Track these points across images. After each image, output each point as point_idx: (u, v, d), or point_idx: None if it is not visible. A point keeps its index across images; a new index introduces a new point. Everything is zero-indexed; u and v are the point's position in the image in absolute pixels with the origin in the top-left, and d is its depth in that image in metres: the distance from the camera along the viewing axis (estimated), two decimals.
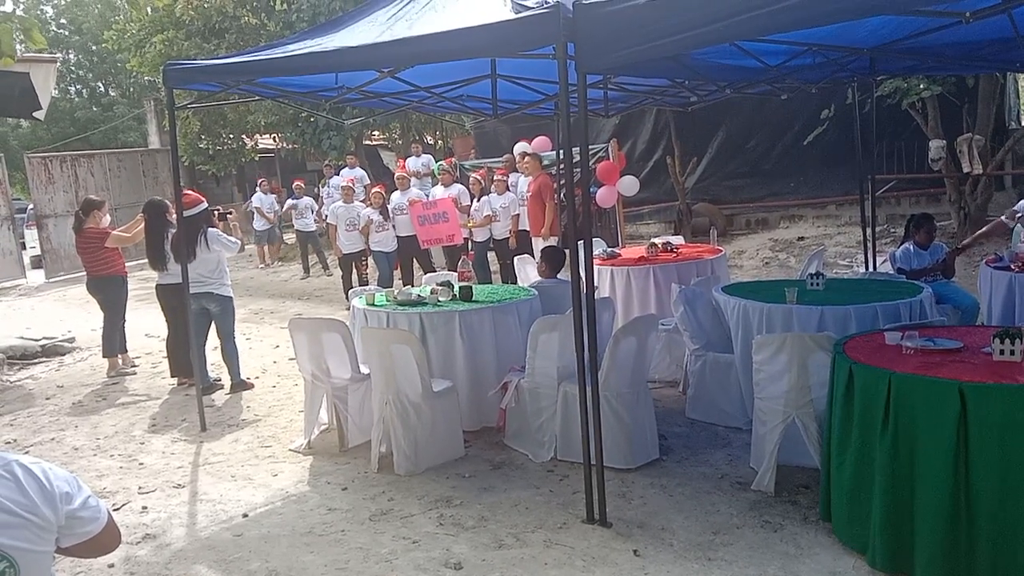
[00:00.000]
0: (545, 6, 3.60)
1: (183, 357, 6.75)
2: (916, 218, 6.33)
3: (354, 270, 10.76)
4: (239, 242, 6.83)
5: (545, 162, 11.65)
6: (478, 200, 10.31)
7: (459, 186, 10.95)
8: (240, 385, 6.78)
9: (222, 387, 6.90)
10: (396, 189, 10.61)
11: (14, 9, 6.94)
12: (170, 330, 7.10)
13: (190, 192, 6.65)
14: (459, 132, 18.25)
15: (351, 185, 11.43)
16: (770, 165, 14.04)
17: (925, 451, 3.14)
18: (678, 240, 8.68)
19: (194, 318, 6.24)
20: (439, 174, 11.87)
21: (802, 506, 3.99)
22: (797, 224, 13.35)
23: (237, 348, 6.87)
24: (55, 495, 1.71)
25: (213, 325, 6.77)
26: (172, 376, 7.24)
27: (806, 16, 3.03)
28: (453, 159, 14.98)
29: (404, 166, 14.15)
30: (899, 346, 3.68)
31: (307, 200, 14.30)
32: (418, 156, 15.39)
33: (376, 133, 21.31)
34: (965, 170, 10.57)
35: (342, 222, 10.44)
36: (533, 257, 8.68)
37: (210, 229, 6.51)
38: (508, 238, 10.02)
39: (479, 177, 10.90)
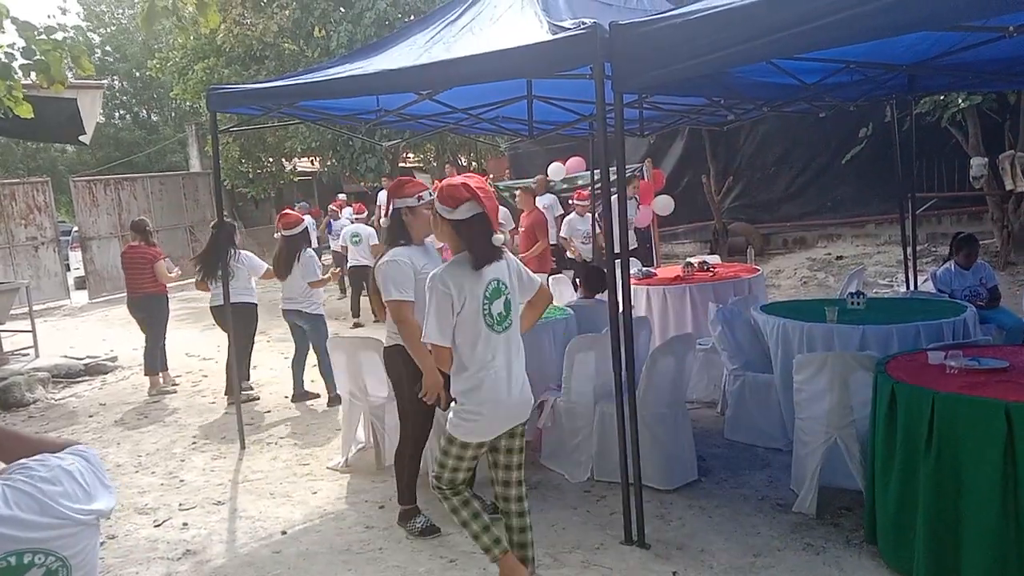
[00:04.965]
0: (582, 27, 3.63)
1: (245, 372, 7.34)
2: (957, 239, 6.24)
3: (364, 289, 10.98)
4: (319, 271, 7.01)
5: (580, 181, 11.66)
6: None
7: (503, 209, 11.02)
8: (336, 399, 6.70)
9: (258, 399, 7.23)
10: None
11: (64, 37, 7.18)
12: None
13: (291, 212, 6.98)
14: (493, 153, 18.38)
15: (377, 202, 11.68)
16: (807, 184, 13.93)
17: (971, 473, 3.08)
18: (714, 259, 8.63)
19: (292, 333, 6.99)
20: None
21: (845, 528, 3.92)
22: (835, 243, 13.21)
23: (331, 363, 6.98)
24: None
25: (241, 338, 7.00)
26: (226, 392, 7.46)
27: (844, 34, 3.01)
28: (488, 179, 15.06)
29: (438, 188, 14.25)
30: (943, 366, 3.62)
31: (344, 221, 14.48)
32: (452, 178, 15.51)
33: (411, 155, 21.55)
34: (1008, 187, 10.40)
35: (349, 238, 10.88)
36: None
37: (307, 251, 6.85)
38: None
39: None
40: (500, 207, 10.76)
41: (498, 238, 3.20)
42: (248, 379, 7.55)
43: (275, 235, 7.61)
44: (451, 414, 3.26)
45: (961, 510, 3.12)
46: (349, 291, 13.67)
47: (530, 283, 3.40)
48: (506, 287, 3.25)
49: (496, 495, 3.43)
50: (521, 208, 9.65)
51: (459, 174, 15.54)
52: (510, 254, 3.36)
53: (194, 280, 7.39)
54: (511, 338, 3.26)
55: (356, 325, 10.84)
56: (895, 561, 3.47)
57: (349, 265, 11.06)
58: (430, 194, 3.94)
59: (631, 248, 9.47)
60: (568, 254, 9.90)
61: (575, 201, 9.96)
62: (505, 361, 3.21)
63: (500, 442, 3.31)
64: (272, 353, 9.18)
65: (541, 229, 9.14)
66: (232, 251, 6.95)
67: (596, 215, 10.17)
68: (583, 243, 9.54)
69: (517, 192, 11.48)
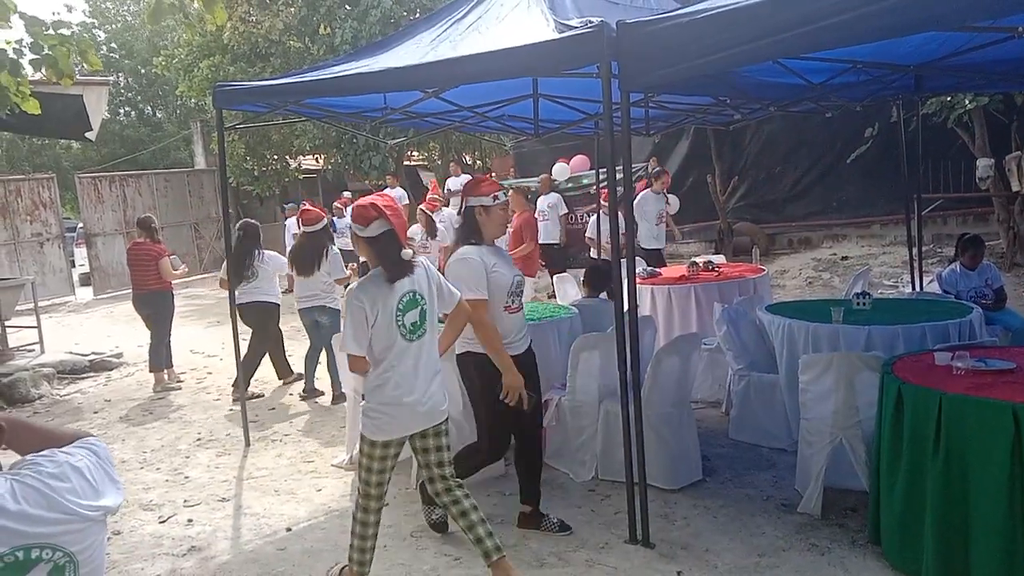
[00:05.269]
0: (589, 25, 3.63)
1: (281, 364, 7.68)
2: (963, 240, 6.23)
3: None
4: (347, 272, 7.07)
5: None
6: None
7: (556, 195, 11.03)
8: (341, 397, 6.68)
9: (263, 395, 7.31)
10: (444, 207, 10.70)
11: (72, 32, 7.21)
12: (269, 345, 7.52)
13: (311, 208, 7.01)
14: (498, 152, 18.38)
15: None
16: (812, 184, 13.91)
17: (979, 473, 3.07)
18: (719, 259, 8.61)
19: (308, 330, 6.97)
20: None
21: (850, 529, 3.92)
22: (840, 243, 13.18)
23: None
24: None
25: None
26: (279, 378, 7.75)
27: (850, 34, 3.00)
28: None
29: (436, 188, 14.25)
30: (949, 366, 3.61)
31: (348, 220, 14.47)
32: (457, 176, 15.51)
33: (416, 153, 21.55)
34: (1014, 189, 10.37)
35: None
36: None
37: (333, 248, 6.90)
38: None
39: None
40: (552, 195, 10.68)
41: (407, 252, 3.33)
42: (291, 373, 7.73)
43: (295, 232, 7.69)
44: (362, 413, 3.41)
45: (969, 511, 3.12)
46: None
47: (449, 296, 3.53)
48: (423, 298, 3.38)
49: (438, 492, 3.55)
50: (513, 209, 9.56)
51: (463, 172, 15.48)
52: (431, 266, 3.52)
53: (219, 278, 7.39)
54: (423, 346, 3.38)
55: None
56: (900, 562, 3.46)
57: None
58: (505, 194, 3.97)
59: (659, 248, 9.44)
60: (592, 253, 9.77)
61: (605, 201, 9.83)
62: (412, 366, 3.33)
63: (415, 443, 3.45)
64: None
65: (529, 231, 8.99)
66: (257, 251, 7.10)
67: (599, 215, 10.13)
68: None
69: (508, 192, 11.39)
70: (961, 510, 3.14)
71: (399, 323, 3.30)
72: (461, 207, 3.99)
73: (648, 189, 9.56)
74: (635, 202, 9.40)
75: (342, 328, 6.76)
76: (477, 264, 3.77)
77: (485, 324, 3.73)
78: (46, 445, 1.67)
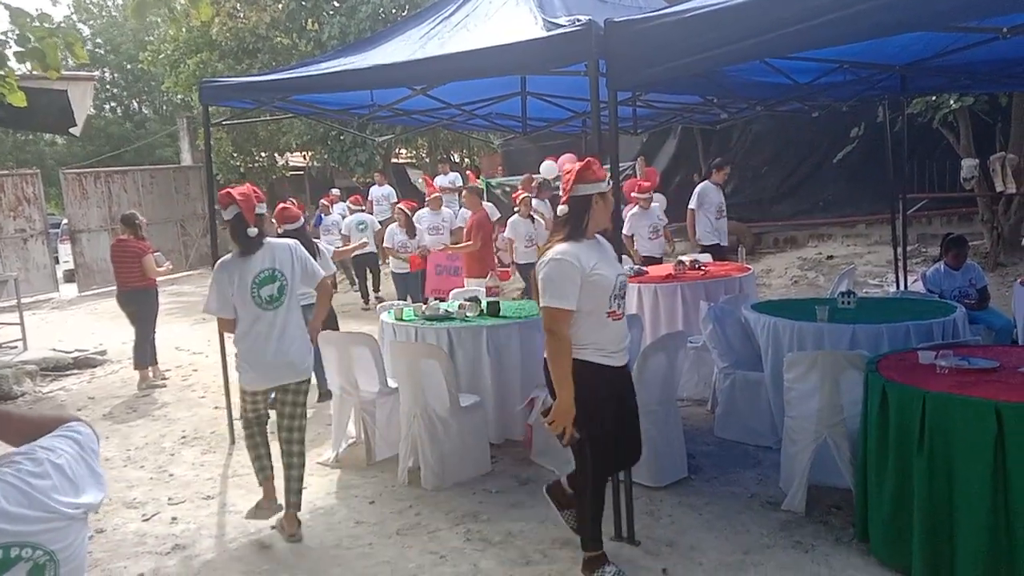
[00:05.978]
0: (577, 24, 3.63)
1: None
2: (947, 240, 6.27)
3: (368, 274, 11.57)
4: (334, 268, 7.00)
5: None
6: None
7: (489, 205, 10.84)
8: (328, 395, 6.30)
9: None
10: (423, 207, 10.59)
11: (59, 23, 7.09)
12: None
13: (290, 207, 6.80)
14: (486, 150, 18.35)
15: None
16: (799, 183, 13.97)
17: (963, 470, 3.10)
18: (706, 258, 8.62)
19: None
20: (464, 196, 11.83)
21: (834, 526, 3.94)
22: (826, 243, 13.24)
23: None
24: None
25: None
26: None
27: (837, 33, 3.02)
28: (479, 178, 15.03)
29: (431, 185, 14.18)
30: (933, 365, 3.64)
31: (335, 217, 14.40)
32: (445, 175, 15.47)
33: (403, 151, 21.50)
34: (998, 189, 10.45)
35: (354, 227, 11.25)
36: None
37: (320, 244, 6.84)
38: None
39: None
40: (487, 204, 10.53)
41: (252, 231, 4.03)
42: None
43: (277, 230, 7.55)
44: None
45: (954, 507, 3.15)
46: (346, 279, 13.63)
47: (312, 276, 4.26)
48: (282, 275, 4.10)
49: (280, 441, 4.32)
50: (468, 208, 9.20)
51: (452, 171, 15.31)
52: (298, 247, 4.22)
53: None
54: (279, 314, 4.10)
55: (380, 301, 10.62)
56: (889, 558, 3.49)
57: (354, 254, 11.07)
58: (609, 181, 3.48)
59: (718, 243, 8.86)
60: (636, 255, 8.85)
61: (635, 193, 9.12)
62: (267, 331, 4.08)
63: (278, 394, 4.25)
64: None
65: (478, 231, 8.48)
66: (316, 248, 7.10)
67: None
68: (651, 238, 8.75)
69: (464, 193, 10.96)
70: (946, 506, 3.16)
71: (254, 295, 4.03)
72: (567, 196, 3.38)
73: (707, 180, 9.09)
74: (696, 195, 8.93)
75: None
76: (571, 269, 3.22)
77: (560, 336, 3.24)
78: (33, 432, 1.66)
